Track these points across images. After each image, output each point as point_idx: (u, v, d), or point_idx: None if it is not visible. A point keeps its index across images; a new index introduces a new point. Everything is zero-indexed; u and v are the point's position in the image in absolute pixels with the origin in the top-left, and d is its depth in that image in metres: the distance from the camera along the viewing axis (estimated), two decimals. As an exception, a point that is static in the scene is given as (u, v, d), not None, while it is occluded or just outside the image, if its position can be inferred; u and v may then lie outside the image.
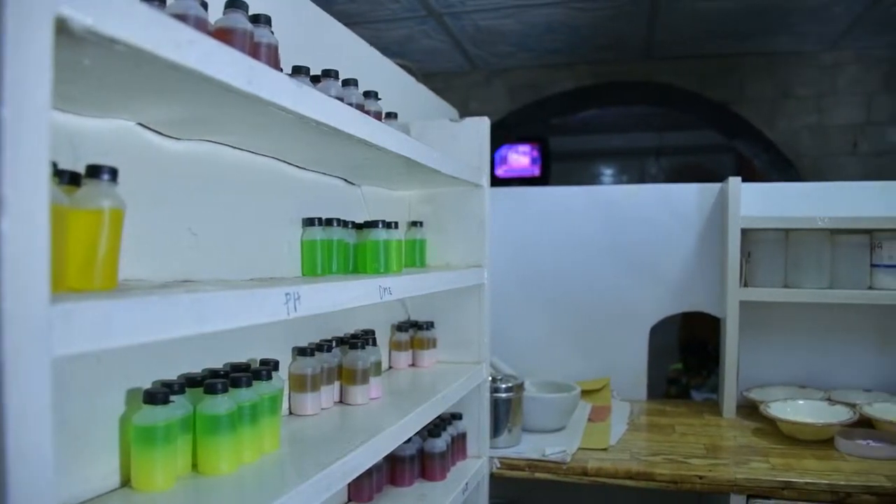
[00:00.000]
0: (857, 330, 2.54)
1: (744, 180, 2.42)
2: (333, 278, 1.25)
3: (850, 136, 4.46)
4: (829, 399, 2.37)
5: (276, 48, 1.07)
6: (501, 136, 5.03)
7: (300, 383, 1.35)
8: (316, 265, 1.37)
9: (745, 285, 2.43)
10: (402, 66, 2.19)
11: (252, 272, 1.28)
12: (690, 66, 4.62)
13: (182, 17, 0.83)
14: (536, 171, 6.65)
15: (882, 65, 4.35)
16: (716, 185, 2.62)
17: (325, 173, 1.54)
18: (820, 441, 2.12)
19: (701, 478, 1.89)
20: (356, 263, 1.45)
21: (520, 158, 6.64)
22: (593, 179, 7.36)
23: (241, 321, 0.82)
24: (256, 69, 0.83)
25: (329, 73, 1.29)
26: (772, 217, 2.40)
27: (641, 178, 7.21)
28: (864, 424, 2.16)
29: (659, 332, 2.78)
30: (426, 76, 4.61)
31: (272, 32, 1.08)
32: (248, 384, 1.07)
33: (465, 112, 2.04)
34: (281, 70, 1.23)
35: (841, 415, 2.18)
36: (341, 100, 1.26)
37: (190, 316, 0.73)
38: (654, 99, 4.81)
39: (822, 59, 4.46)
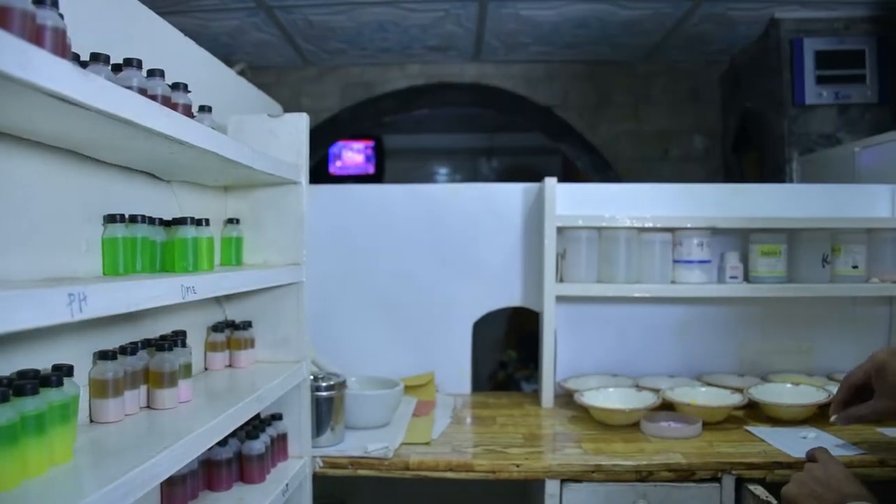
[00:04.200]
0: (662, 321, 2.73)
1: (568, 180, 2.54)
2: (131, 277, 1.19)
3: (662, 142, 4.81)
4: (637, 386, 2.53)
5: (63, 32, 1.00)
6: (334, 133, 5.00)
7: (101, 389, 1.27)
8: (118, 264, 1.29)
9: (561, 281, 2.56)
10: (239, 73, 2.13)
11: (44, 272, 1.19)
12: (518, 71, 4.80)
13: (-54, -6, 0.76)
14: (371, 169, 6.67)
15: (688, 77, 4.73)
16: (535, 185, 2.72)
17: (130, 168, 1.46)
18: (628, 425, 2.27)
19: (518, 466, 1.97)
20: (164, 262, 1.38)
21: (354, 156, 6.63)
22: (428, 178, 7.47)
23: (15, 325, 0.75)
24: (32, 54, 0.77)
25: (131, 63, 1.22)
26: (586, 216, 2.54)
27: (475, 178, 7.40)
28: (667, 408, 2.33)
29: (493, 324, 2.86)
30: (257, 70, 4.50)
31: (61, 16, 1.01)
32: (34, 392, 0.99)
33: (297, 108, 2.01)
34: (78, 57, 1.17)
35: (647, 400, 2.34)
36: (144, 91, 1.21)
37: (-52, 319, 0.67)
38: (484, 101, 4.95)
39: (638, 70, 4.78)
